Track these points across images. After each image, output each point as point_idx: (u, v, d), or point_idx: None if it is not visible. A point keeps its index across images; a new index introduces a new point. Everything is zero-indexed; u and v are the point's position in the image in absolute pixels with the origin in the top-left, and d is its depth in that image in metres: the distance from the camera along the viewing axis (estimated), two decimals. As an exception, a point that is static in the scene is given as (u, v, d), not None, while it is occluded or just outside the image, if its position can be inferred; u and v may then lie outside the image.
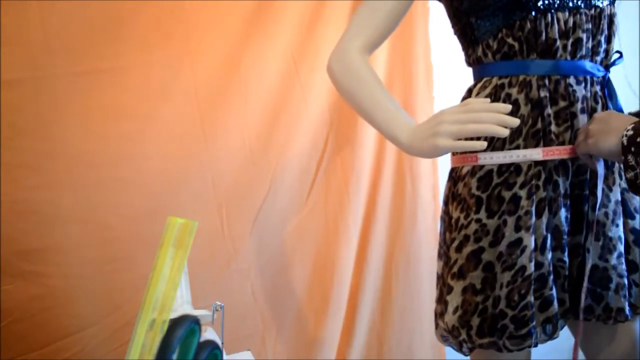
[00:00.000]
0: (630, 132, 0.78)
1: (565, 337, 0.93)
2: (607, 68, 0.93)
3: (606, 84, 0.92)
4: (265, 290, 1.38)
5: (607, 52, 0.93)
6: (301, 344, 1.43)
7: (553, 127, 0.88)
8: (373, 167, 1.48)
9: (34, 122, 1.13)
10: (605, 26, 0.91)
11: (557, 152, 0.87)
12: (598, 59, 0.91)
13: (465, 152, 0.90)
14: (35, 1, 1.11)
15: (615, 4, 0.94)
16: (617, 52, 0.95)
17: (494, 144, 0.89)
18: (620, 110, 0.92)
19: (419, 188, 1.52)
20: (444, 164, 1.02)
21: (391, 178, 1.50)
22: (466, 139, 0.84)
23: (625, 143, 0.78)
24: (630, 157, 0.77)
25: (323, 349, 1.43)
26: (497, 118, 0.80)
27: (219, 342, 0.91)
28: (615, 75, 0.95)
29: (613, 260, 0.90)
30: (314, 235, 1.43)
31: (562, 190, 0.88)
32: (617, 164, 0.92)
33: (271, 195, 1.36)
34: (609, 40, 0.92)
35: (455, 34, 1.00)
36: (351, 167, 1.44)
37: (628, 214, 0.93)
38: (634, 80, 1.70)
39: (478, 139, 0.86)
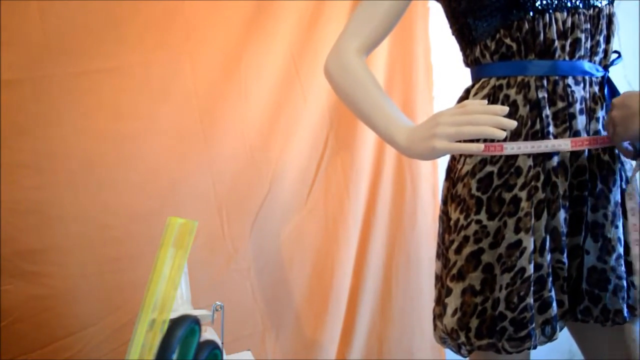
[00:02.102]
0: None
1: (565, 337, 0.93)
2: (605, 68, 0.93)
3: (606, 82, 0.92)
4: (265, 290, 1.38)
5: (606, 52, 0.92)
6: (301, 344, 1.43)
7: (551, 128, 0.88)
8: (373, 167, 1.48)
9: (34, 122, 1.13)
10: (604, 26, 0.90)
11: (586, 143, 0.87)
12: (597, 59, 0.91)
13: (486, 141, 0.89)
14: (35, 1, 1.11)
15: (615, 4, 0.93)
16: (616, 52, 0.94)
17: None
18: None
19: (419, 188, 1.52)
20: (444, 164, 1.02)
21: (391, 178, 1.50)
22: (464, 141, 0.83)
23: None
24: None
25: (323, 349, 1.43)
26: (494, 120, 0.79)
27: (219, 342, 0.92)
28: (615, 75, 0.95)
29: (612, 261, 0.89)
30: (314, 235, 1.43)
31: (560, 192, 0.88)
32: (617, 164, 0.92)
33: (271, 195, 1.36)
34: (607, 40, 0.92)
35: (453, 34, 0.99)
36: (351, 167, 1.44)
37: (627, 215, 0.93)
38: (634, 80, 1.70)
39: (477, 141, 0.85)
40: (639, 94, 0.83)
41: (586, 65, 0.89)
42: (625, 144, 0.88)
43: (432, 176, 1.55)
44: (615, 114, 0.84)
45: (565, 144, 0.86)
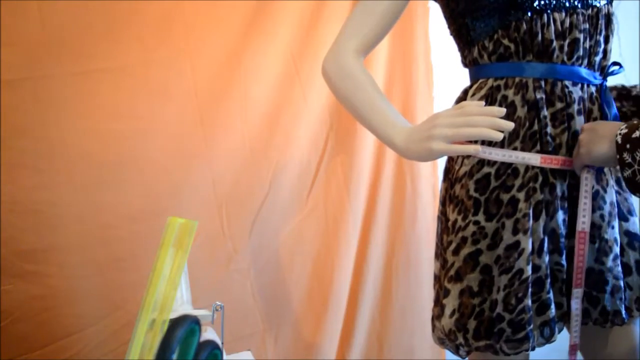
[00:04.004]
0: (625, 131, 0.78)
1: (565, 337, 0.93)
2: (605, 77, 0.92)
3: (603, 92, 0.91)
4: (265, 290, 1.38)
5: (605, 52, 0.92)
6: (301, 344, 1.43)
7: (549, 129, 0.87)
8: (373, 167, 1.48)
9: (34, 122, 1.13)
10: (603, 26, 0.90)
11: (554, 162, 0.87)
12: (596, 59, 0.91)
13: (484, 143, 0.89)
14: (35, 1, 1.11)
15: (614, 4, 0.93)
16: (617, 63, 0.94)
17: (492, 145, 0.88)
18: (617, 118, 0.91)
19: (419, 188, 1.52)
20: (444, 163, 1.02)
21: (391, 178, 1.50)
22: (462, 143, 0.83)
23: (620, 141, 0.78)
24: (625, 155, 0.77)
25: (323, 349, 1.43)
26: (492, 122, 0.79)
27: (219, 342, 0.92)
28: (616, 75, 0.95)
29: (609, 262, 0.89)
30: (314, 235, 1.43)
31: (559, 193, 0.88)
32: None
33: (271, 195, 1.36)
34: (607, 40, 0.92)
35: (451, 34, 0.99)
36: (351, 167, 1.44)
37: (622, 216, 0.93)
38: (634, 80, 1.70)
39: (476, 142, 0.85)
40: (609, 123, 0.84)
41: (583, 71, 0.89)
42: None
43: (432, 176, 1.55)
44: (582, 137, 0.85)
45: (535, 159, 0.86)
